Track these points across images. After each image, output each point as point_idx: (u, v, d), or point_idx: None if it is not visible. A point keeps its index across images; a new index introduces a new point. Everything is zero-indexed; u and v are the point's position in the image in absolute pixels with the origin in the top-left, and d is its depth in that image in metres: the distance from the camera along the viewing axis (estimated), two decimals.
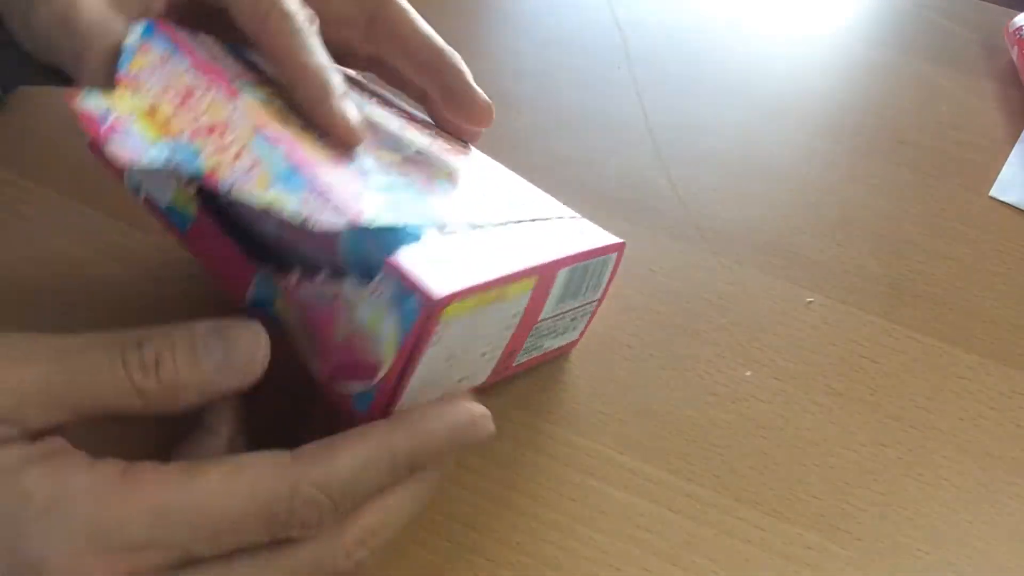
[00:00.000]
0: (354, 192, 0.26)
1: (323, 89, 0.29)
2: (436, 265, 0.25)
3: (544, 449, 0.35)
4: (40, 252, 0.40)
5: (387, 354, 0.25)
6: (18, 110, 0.46)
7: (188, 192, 0.29)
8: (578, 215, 0.36)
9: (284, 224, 0.27)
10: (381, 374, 0.25)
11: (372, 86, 0.37)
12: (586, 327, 0.37)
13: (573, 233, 0.34)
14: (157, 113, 0.27)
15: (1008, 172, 0.50)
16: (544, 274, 0.29)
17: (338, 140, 0.29)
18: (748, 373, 0.39)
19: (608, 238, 0.35)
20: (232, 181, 0.25)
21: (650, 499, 0.34)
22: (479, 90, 0.36)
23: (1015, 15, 0.59)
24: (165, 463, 0.24)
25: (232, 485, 0.24)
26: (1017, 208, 0.48)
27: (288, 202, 0.24)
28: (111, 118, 0.26)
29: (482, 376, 0.31)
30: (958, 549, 0.34)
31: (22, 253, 0.40)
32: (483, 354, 0.29)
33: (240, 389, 0.26)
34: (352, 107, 0.30)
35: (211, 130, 0.26)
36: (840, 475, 0.36)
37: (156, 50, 0.28)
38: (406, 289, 0.24)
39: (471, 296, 0.25)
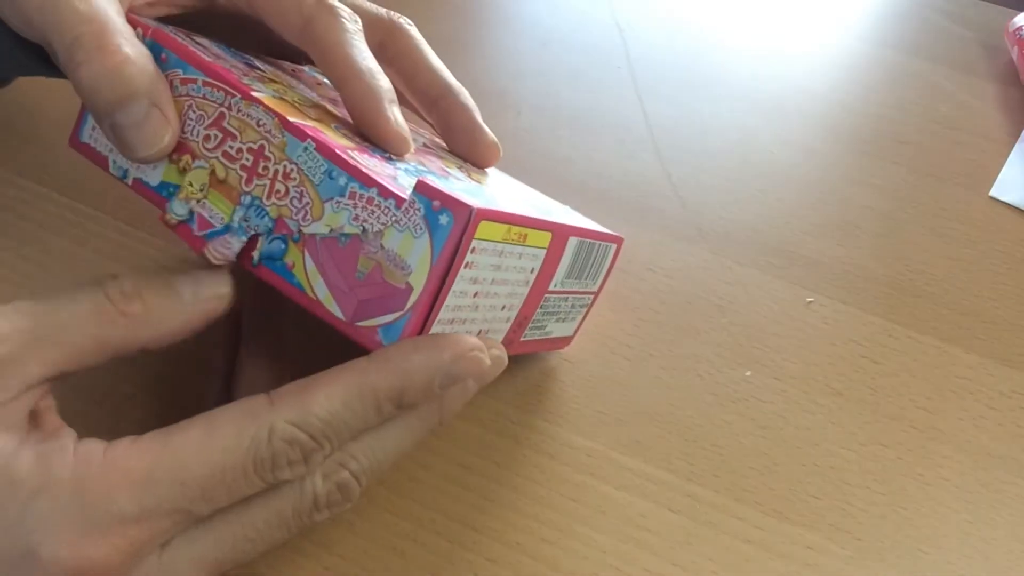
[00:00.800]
0: (391, 174, 0.27)
1: (375, 94, 0.29)
2: (466, 194, 0.26)
3: (544, 449, 0.35)
4: (40, 252, 0.40)
5: (419, 276, 0.25)
6: (18, 110, 0.46)
7: (179, 163, 0.29)
8: (581, 215, 0.37)
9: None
10: (413, 299, 0.25)
11: None
12: (580, 324, 0.37)
13: (579, 219, 0.35)
14: (215, 175, 0.28)
15: (1008, 172, 0.50)
16: (559, 233, 0.30)
17: (387, 147, 0.29)
18: (748, 373, 0.39)
19: (604, 230, 0.36)
20: (296, 222, 0.26)
21: (650, 499, 0.34)
22: (486, 129, 0.35)
23: (1015, 15, 0.59)
24: (137, 436, 0.24)
25: (210, 439, 0.24)
26: (1017, 208, 0.48)
27: (341, 220, 0.26)
28: (196, 216, 0.28)
29: (499, 335, 0.31)
30: (958, 549, 0.34)
31: (22, 253, 0.40)
32: (503, 307, 0.30)
33: (215, 314, 0.27)
34: (401, 116, 0.30)
35: (256, 168, 0.27)
36: (840, 475, 0.36)
37: (172, 77, 0.28)
38: (440, 206, 0.25)
39: (501, 222, 0.26)
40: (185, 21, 0.32)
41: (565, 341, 0.37)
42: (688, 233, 0.45)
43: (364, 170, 0.26)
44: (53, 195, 0.42)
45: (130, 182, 0.29)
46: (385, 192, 0.25)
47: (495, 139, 0.35)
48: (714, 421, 0.37)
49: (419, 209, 0.25)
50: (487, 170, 0.36)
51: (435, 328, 0.26)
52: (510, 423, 0.36)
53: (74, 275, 0.39)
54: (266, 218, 0.27)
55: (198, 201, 0.28)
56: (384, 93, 0.29)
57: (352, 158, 0.26)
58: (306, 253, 0.26)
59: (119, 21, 0.27)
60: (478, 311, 0.28)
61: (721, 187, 0.48)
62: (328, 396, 0.25)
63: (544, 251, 0.30)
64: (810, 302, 0.42)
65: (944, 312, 0.42)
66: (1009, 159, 0.51)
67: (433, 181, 0.25)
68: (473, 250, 0.25)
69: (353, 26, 0.30)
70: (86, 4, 0.27)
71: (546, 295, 0.32)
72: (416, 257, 0.25)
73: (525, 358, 0.38)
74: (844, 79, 0.56)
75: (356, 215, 0.25)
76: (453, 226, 0.25)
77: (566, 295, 0.33)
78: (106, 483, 0.23)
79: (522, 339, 0.32)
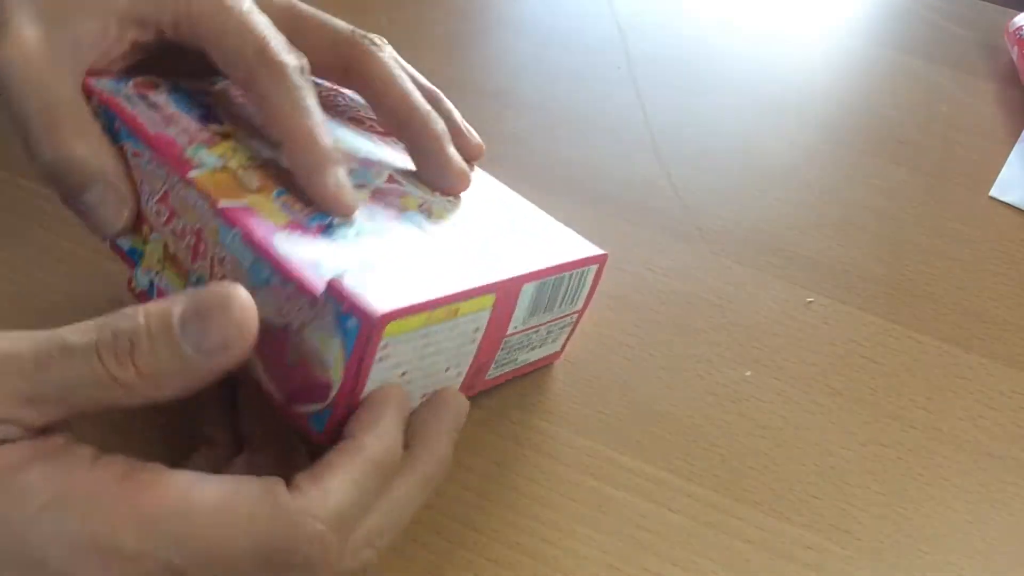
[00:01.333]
0: (314, 258, 0.26)
1: (316, 158, 0.28)
2: (382, 284, 0.26)
3: (544, 449, 0.35)
4: (40, 252, 0.40)
5: (336, 374, 0.25)
6: None
7: (142, 232, 0.30)
8: (565, 228, 0.35)
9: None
10: (333, 394, 0.26)
11: (344, 97, 0.36)
12: (568, 339, 0.37)
13: (550, 246, 0.33)
14: (167, 249, 0.29)
15: (1008, 172, 0.50)
16: (504, 290, 0.29)
17: (329, 211, 0.28)
18: (748, 373, 0.39)
19: (589, 250, 0.34)
20: None
21: (650, 499, 0.34)
22: (453, 157, 0.33)
23: (1015, 15, 0.59)
24: (168, 469, 0.24)
25: (227, 515, 0.23)
26: (1017, 208, 0.48)
27: (269, 310, 0.26)
28: (155, 287, 0.29)
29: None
30: (958, 549, 0.34)
31: (22, 253, 0.40)
32: (446, 369, 0.30)
33: (228, 366, 0.24)
34: (345, 177, 0.29)
35: (198, 248, 0.28)
36: (840, 475, 0.36)
37: (125, 147, 0.29)
38: (347, 310, 0.25)
39: (415, 315, 0.26)
40: (156, 59, 0.32)
41: (553, 356, 0.37)
42: (688, 233, 0.45)
43: (284, 262, 0.26)
44: (53, 195, 0.42)
45: (107, 243, 0.31)
46: (302, 288, 0.25)
47: (464, 167, 0.33)
48: (714, 421, 0.37)
49: (331, 311, 0.25)
50: (464, 194, 0.35)
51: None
52: (510, 423, 0.36)
53: (74, 275, 0.39)
54: None
55: (156, 273, 0.29)
56: (324, 155, 0.28)
57: (275, 247, 0.26)
58: None
59: (70, 106, 0.28)
60: (412, 385, 0.28)
61: (721, 187, 0.48)
62: (343, 480, 0.24)
63: (488, 311, 0.29)
64: (810, 302, 0.42)
65: (944, 312, 0.42)
66: (1009, 159, 0.51)
67: (348, 279, 0.25)
68: (386, 346, 0.25)
69: (298, 81, 0.29)
70: (37, 94, 0.27)
71: (505, 339, 0.32)
72: (331, 355, 0.25)
73: None
74: (844, 79, 0.56)
75: (280, 307, 0.26)
76: (359, 331, 0.25)
77: (535, 328, 0.33)
78: (118, 513, 0.23)
79: (488, 377, 0.33)
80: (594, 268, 0.35)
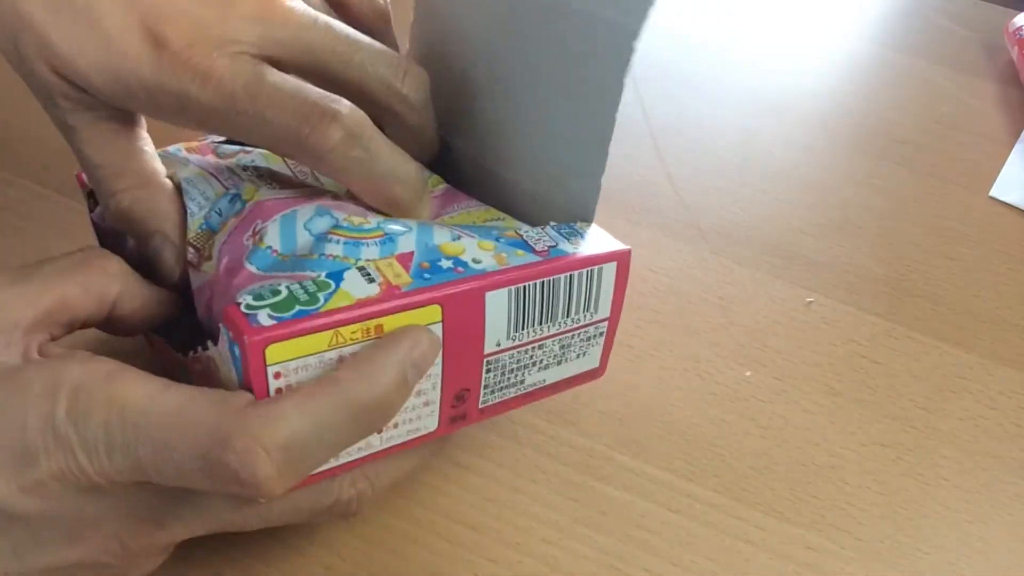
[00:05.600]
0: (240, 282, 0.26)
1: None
2: (279, 307, 0.24)
3: (544, 449, 0.35)
4: (40, 252, 0.40)
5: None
6: (18, 110, 0.46)
7: None
8: (581, 223, 0.31)
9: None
10: None
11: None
12: (606, 353, 0.32)
13: (537, 247, 0.29)
14: None
15: (1008, 172, 0.50)
16: (455, 301, 0.26)
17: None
18: (748, 373, 0.39)
19: (603, 243, 0.30)
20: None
21: (650, 499, 0.34)
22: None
23: (1015, 15, 0.59)
24: (152, 375, 0.24)
25: (180, 417, 0.23)
26: (1017, 208, 0.48)
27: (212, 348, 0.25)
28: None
29: (427, 424, 0.28)
30: (958, 549, 0.34)
31: (22, 253, 0.40)
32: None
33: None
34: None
35: None
36: (840, 475, 0.36)
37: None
38: (233, 337, 0.23)
39: (305, 336, 0.23)
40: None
41: (590, 375, 0.32)
42: (688, 233, 0.45)
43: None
44: (53, 195, 0.42)
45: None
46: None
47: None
48: (714, 421, 0.37)
49: (225, 341, 0.24)
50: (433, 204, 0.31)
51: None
52: (510, 423, 0.36)
53: None
54: None
55: None
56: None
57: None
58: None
59: (136, 156, 0.30)
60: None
61: (721, 187, 0.48)
62: (299, 407, 0.23)
63: (436, 325, 0.26)
64: (810, 302, 0.42)
65: (944, 312, 0.42)
66: (1009, 159, 0.51)
67: (240, 306, 0.23)
68: (277, 375, 0.23)
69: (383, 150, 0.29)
70: (102, 151, 0.29)
71: (487, 359, 0.28)
72: (235, 388, 0.24)
73: None
74: (844, 79, 0.56)
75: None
76: (241, 358, 0.23)
77: (537, 343, 0.29)
78: (99, 403, 0.23)
79: (483, 405, 0.29)
80: (612, 267, 0.30)
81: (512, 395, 0.30)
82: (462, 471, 0.34)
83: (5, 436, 0.23)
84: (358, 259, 0.26)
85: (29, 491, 0.23)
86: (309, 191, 0.30)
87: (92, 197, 0.31)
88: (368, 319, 0.24)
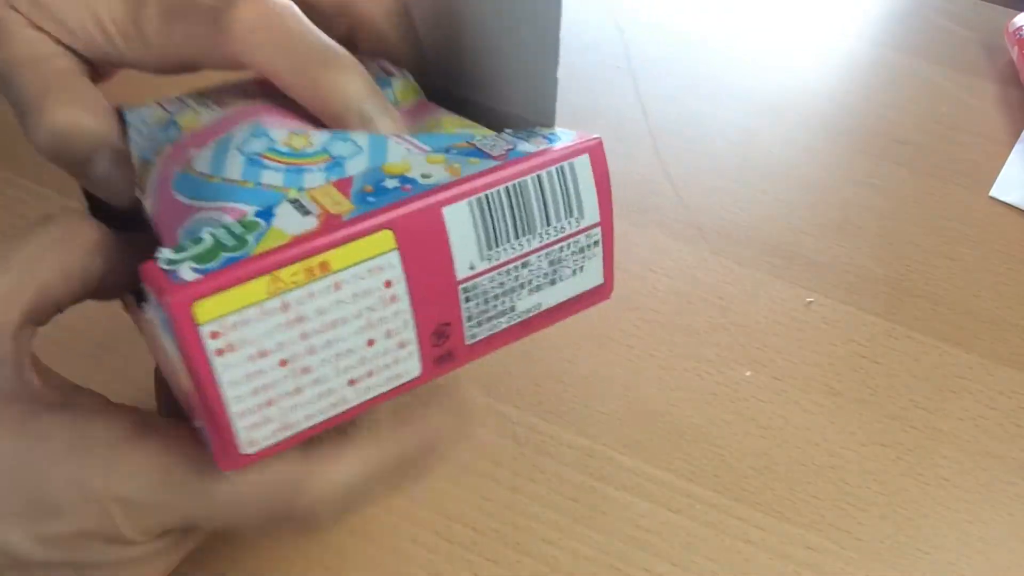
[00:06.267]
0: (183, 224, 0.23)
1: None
2: (202, 258, 0.21)
3: (544, 449, 0.35)
4: None
5: (187, 380, 0.21)
6: None
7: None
8: (541, 127, 0.28)
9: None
10: (197, 405, 0.22)
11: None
12: (607, 266, 0.28)
13: (492, 152, 0.26)
14: None
15: (1008, 172, 0.50)
16: (407, 221, 0.23)
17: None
18: (748, 373, 0.39)
19: (570, 139, 0.27)
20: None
21: (650, 499, 0.34)
22: None
23: (1015, 15, 0.59)
24: (174, 423, 0.24)
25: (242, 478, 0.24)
26: (1017, 208, 0.48)
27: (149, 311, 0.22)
28: None
29: (407, 368, 0.25)
30: (958, 549, 0.34)
31: None
32: (371, 342, 0.23)
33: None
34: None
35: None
36: (840, 475, 0.36)
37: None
38: (156, 300, 0.20)
39: (237, 285, 0.21)
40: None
41: (595, 293, 0.28)
42: (688, 233, 0.45)
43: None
44: (53, 195, 0.42)
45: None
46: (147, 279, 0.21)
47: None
48: (714, 421, 0.37)
49: (154, 302, 0.21)
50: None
51: (249, 418, 0.22)
52: (510, 423, 0.36)
53: None
54: None
55: None
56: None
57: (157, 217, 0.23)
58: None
59: (65, 74, 0.27)
60: (312, 371, 0.23)
61: (721, 187, 0.48)
62: (359, 458, 0.25)
63: (392, 253, 0.23)
64: (810, 302, 0.42)
65: (944, 312, 0.42)
66: (1009, 159, 0.51)
67: (156, 263, 0.21)
68: (214, 335, 0.20)
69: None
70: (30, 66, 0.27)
71: (462, 285, 0.24)
72: (175, 359, 0.21)
73: (526, 356, 0.38)
74: (844, 79, 0.56)
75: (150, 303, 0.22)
76: (170, 321, 0.20)
77: (520, 260, 0.26)
78: (133, 463, 0.23)
79: (471, 341, 0.26)
80: (584, 161, 0.26)
81: (505, 325, 0.26)
82: (462, 471, 0.34)
83: (19, 483, 0.22)
84: (301, 188, 0.23)
85: (48, 542, 0.23)
86: (256, 106, 0.26)
87: (91, 198, 0.31)
88: (308, 256, 0.21)
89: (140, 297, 0.24)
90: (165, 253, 0.21)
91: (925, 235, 0.46)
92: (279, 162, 0.24)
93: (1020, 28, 0.57)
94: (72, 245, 0.25)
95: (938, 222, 0.47)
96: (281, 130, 0.25)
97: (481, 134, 0.27)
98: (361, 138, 0.25)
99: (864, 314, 0.42)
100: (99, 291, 0.26)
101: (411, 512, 0.33)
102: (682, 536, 0.33)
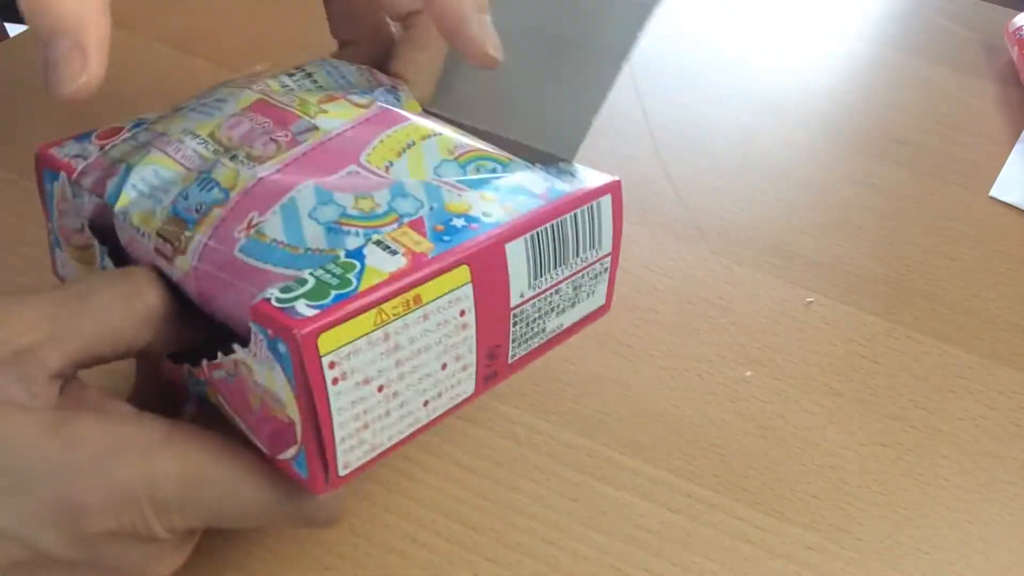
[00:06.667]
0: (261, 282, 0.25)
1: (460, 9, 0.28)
2: (313, 296, 0.23)
3: (544, 449, 0.35)
4: (40, 252, 0.40)
5: (292, 410, 0.23)
6: (18, 110, 0.46)
7: None
8: (563, 163, 0.31)
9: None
10: (299, 432, 0.23)
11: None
12: (610, 288, 0.32)
13: (536, 190, 0.28)
14: None
15: (1008, 172, 0.50)
16: (479, 258, 0.26)
17: (475, 62, 0.28)
18: (748, 373, 0.39)
19: (591, 179, 0.30)
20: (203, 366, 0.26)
21: (650, 499, 0.34)
22: (471, 28, 0.29)
23: (1015, 15, 0.59)
24: (203, 429, 0.25)
25: (265, 479, 0.25)
26: (1017, 208, 0.48)
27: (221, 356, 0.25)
28: None
29: (465, 388, 0.28)
30: (958, 549, 0.34)
31: (22, 253, 0.40)
32: (443, 367, 0.26)
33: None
34: (489, 25, 0.28)
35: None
36: (840, 475, 0.36)
37: None
38: (274, 334, 0.22)
39: (353, 318, 0.23)
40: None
41: (597, 313, 0.32)
42: (688, 233, 0.45)
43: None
44: None
45: None
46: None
47: (481, 36, 0.28)
48: (714, 421, 0.37)
49: (262, 340, 0.23)
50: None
51: (348, 442, 0.24)
52: (510, 423, 0.36)
53: None
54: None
55: None
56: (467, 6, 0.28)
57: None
58: (218, 394, 0.26)
59: None
60: (399, 395, 0.25)
61: (721, 187, 0.48)
62: None
63: (467, 286, 0.25)
64: (810, 302, 0.42)
65: (944, 312, 0.42)
66: (1009, 159, 0.51)
67: (271, 302, 0.22)
68: (332, 365, 0.23)
69: None
70: None
71: (513, 312, 0.28)
72: (281, 389, 0.23)
73: None
74: (844, 79, 0.56)
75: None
76: (291, 355, 0.22)
77: (554, 288, 0.29)
78: (163, 467, 0.24)
79: (512, 360, 0.29)
80: (607, 200, 0.30)
81: (536, 344, 0.30)
82: (462, 471, 0.34)
83: (53, 486, 0.23)
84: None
85: (79, 542, 0.23)
86: (287, 158, 0.28)
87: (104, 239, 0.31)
88: (406, 291, 0.24)
89: (181, 359, 0.26)
90: (275, 293, 0.23)
91: (925, 235, 0.46)
92: (357, 226, 0.26)
93: (1020, 28, 0.57)
94: (130, 311, 0.26)
95: (938, 222, 0.47)
96: (345, 195, 0.26)
97: (506, 160, 0.30)
98: (419, 191, 0.27)
99: (864, 314, 0.42)
100: (140, 354, 0.27)
101: (411, 512, 0.33)
102: (682, 536, 0.33)
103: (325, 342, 0.22)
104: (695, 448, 0.36)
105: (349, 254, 0.25)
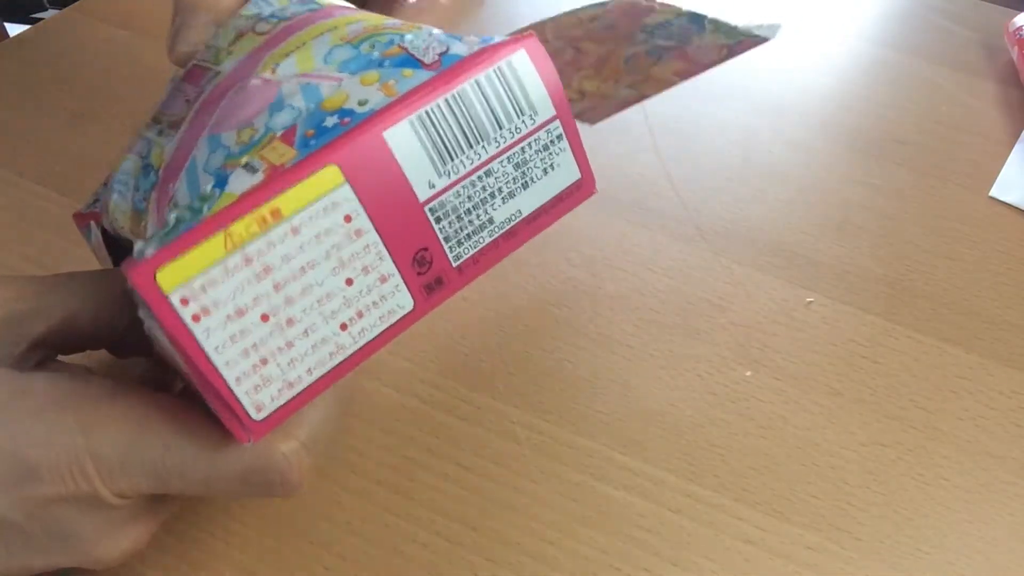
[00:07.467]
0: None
1: None
2: (165, 237, 0.21)
3: (544, 449, 0.35)
4: (40, 252, 0.40)
5: (180, 359, 0.22)
6: (19, 110, 0.46)
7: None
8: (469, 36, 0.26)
9: None
10: (188, 375, 0.22)
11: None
12: (580, 159, 0.28)
13: (426, 60, 0.25)
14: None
15: (1008, 172, 0.50)
16: (355, 150, 0.23)
17: None
18: (748, 373, 0.39)
19: (502, 39, 0.26)
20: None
21: (650, 499, 0.34)
22: None
23: (1015, 15, 0.59)
24: (152, 391, 0.25)
25: (215, 438, 0.24)
26: (1017, 208, 0.48)
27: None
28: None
29: (399, 302, 0.25)
30: (958, 549, 0.34)
31: (22, 253, 0.40)
32: (349, 280, 0.23)
33: None
34: None
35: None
36: (840, 475, 0.36)
37: None
38: (130, 285, 0.21)
39: (192, 247, 0.21)
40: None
41: (577, 189, 0.28)
42: (688, 233, 0.45)
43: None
44: (53, 195, 0.42)
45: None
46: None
47: None
48: (714, 421, 0.37)
49: (136, 296, 0.21)
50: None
51: (247, 381, 0.22)
52: (510, 423, 0.36)
53: None
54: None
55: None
56: None
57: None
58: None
59: None
60: (298, 321, 0.23)
61: (721, 187, 0.48)
62: (312, 406, 0.25)
63: (344, 187, 0.23)
64: (810, 302, 0.42)
65: (944, 312, 0.42)
66: (1009, 159, 0.51)
67: (141, 249, 0.21)
68: (184, 301, 0.21)
69: None
70: None
71: (428, 206, 0.24)
72: (165, 339, 0.22)
73: (526, 356, 0.38)
74: (844, 79, 0.56)
75: None
76: (144, 300, 0.21)
77: (482, 169, 0.25)
78: (110, 422, 0.24)
79: (458, 263, 0.25)
80: (520, 56, 0.25)
81: (489, 239, 0.26)
82: (462, 471, 0.34)
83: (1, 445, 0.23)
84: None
85: (27, 504, 0.23)
86: (201, 116, 0.27)
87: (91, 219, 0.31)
88: (256, 207, 0.22)
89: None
90: (138, 244, 0.21)
91: (925, 235, 0.46)
92: (237, 165, 0.24)
93: (1020, 28, 0.57)
94: (110, 293, 0.27)
95: (938, 222, 0.47)
96: (230, 132, 0.25)
97: (409, 31, 0.26)
98: (296, 97, 0.25)
99: (864, 314, 0.42)
100: (124, 336, 0.27)
101: (411, 512, 0.33)
102: (682, 536, 0.33)
103: (165, 278, 0.21)
104: (695, 448, 0.36)
105: (215, 184, 0.23)
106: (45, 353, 0.26)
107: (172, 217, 0.22)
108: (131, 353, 0.29)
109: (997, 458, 0.37)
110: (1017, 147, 0.52)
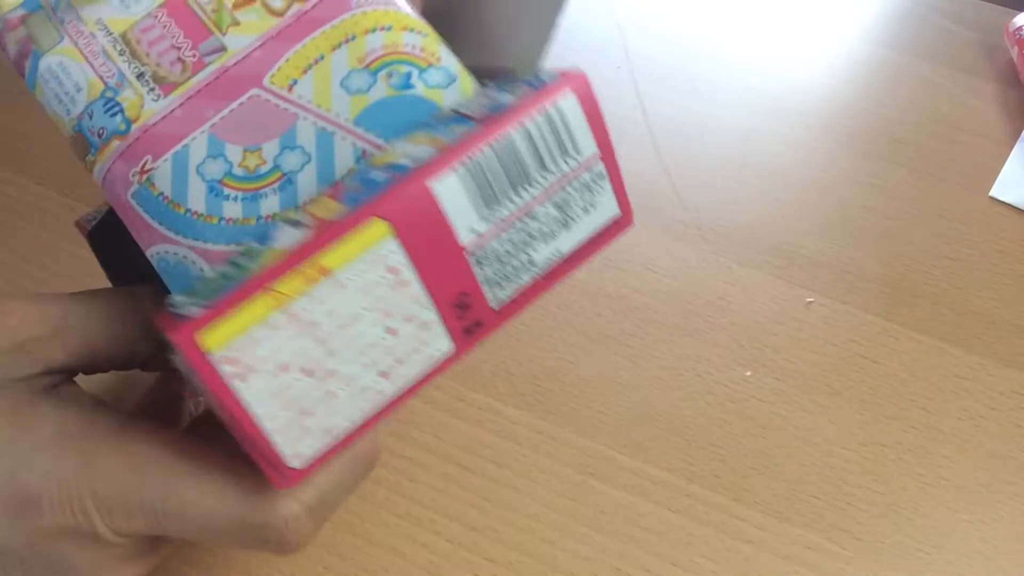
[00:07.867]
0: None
1: None
2: (206, 294, 0.21)
3: (544, 449, 0.35)
4: (40, 252, 0.40)
5: (213, 404, 0.22)
6: (18, 110, 0.46)
7: None
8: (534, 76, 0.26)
9: None
10: (227, 422, 0.22)
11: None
12: (619, 195, 0.27)
13: (471, 112, 0.25)
14: None
15: (1008, 172, 0.50)
16: (401, 203, 0.22)
17: None
18: (748, 373, 0.39)
19: (552, 79, 0.25)
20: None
21: (650, 499, 0.34)
22: None
23: (1015, 15, 0.59)
24: (160, 427, 0.25)
25: (213, 485, 0.24)
26: (1017, 208, 0.48)
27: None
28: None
29: (439, 347, 0.25)
30: (958, 549, 0.34)
31: (22, 253, 0.40)
32: (388, 331, 0.23)
33: None
34: None
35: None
36: (840, 475, 0.36)
37: None
38: (171, 343, 0.21)
39: (236, 308, 0.21)
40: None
41: (615, 224, 0.27)
42: (688, 233, 0.45)
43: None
44: (53, 195, 0.42)
45: None
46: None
47: None
48: (714, 421, 0.37)
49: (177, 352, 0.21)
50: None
51: (288, 432, 0.22)
52: (510, 423, 0.36)
53: (74, 275, 0.39)
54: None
55: None
56: None
57: None
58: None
59: None
60: (338, 374, 0.23)
61: (721, 187, 0.48)
62: (323, 470, 0.24)
63: (388, 240, 0.22)
64: (810, 302, 0.42)
65: (944, 312, 0.42)
66: (1009, 159, 0.51)
67: (169, 310, 0.21)
68: (228, 361, 0.21)
69: None
70: None
71: (468, 252, 0.24)
72: (205, 392, 0.22)
73: (526, 356, 0.38)
74: (844, 79, 0.56)
75: None
76: (186, 360, 0.21)
77: (526, 212, 0.25)
78: (114, 462, 0.23)
79: (497, 305, 0.25)
80: (568, 100, 0.25)
81: (529, 281, 0.26)
82: (462, 471, 0.34)
83: (2, 472, 0.23)
84: (259, 216, 0.24)
85: (27, 533, 0.23)
86: (189, 89, 0.26)
87: (104, 256, 0.31)
88: (303, 263, 0.21)
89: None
90: (175, 299, 0.21)
91: (925, 235, 0.46)
92: (237, 189, 0.24)
93: (1020, 28, 0.57)
94: (132, 321, 0.26)
95: (938, 222, 0.47)
96: (236, 147, 0.25)
97: (429, 62, 0.26)
98: (309, 142, 0.25)
99: (864, 314, 0.42)
100: (144, 366, 0.27)
101: (411, 512, 0.33)
102: (682, 536, 0.33)
103: (209, 339, 0.20)
104: (695, 448, 0.36)
105: (256, 237, 0.23)
106: (61, 377, 0.25)
107: (214, 272, 0.22)
108: (153, 370, 0.28)
109: (997, 458, 0.37)
110: (1017, 147, 0.52)
